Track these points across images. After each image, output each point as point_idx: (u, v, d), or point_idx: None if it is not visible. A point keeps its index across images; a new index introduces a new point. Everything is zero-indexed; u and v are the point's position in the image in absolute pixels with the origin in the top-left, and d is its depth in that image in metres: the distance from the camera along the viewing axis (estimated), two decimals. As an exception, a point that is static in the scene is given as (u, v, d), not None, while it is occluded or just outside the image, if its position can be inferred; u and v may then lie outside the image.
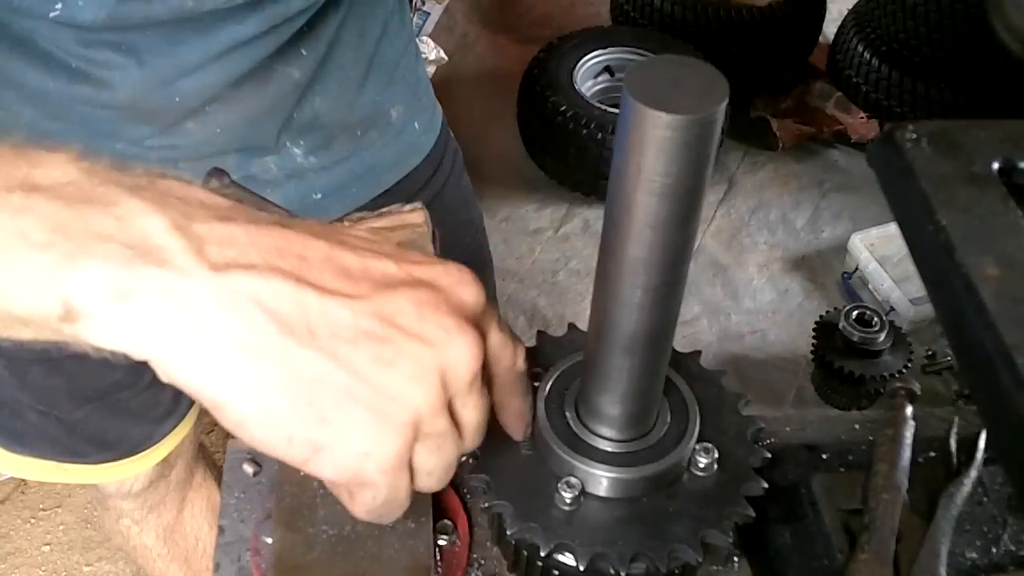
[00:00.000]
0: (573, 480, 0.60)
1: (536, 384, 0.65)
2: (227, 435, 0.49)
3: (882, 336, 1.83)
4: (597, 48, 2.68)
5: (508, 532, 0.61)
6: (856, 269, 2.48)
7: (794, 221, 2.73)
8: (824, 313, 1.92)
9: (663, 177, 0.47)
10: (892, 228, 2.34)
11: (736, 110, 2.73)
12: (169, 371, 0.43)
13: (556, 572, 0.62)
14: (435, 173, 1.09)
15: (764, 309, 2.52)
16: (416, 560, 0.64)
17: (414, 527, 0.65)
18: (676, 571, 0.62)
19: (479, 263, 1.21)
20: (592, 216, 2.71)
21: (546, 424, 0.62)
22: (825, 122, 2.84)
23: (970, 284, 0.44)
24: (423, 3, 2.81)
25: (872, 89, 2.75)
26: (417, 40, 1.16)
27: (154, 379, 0.45)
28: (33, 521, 2.10)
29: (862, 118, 2.80)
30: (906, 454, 0.68)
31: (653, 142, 0.46)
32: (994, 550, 0.67)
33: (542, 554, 0.60)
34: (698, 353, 0.69)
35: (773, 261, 2.63)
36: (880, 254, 2.42)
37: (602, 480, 0.60)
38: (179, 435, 1.19)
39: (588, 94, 2.61)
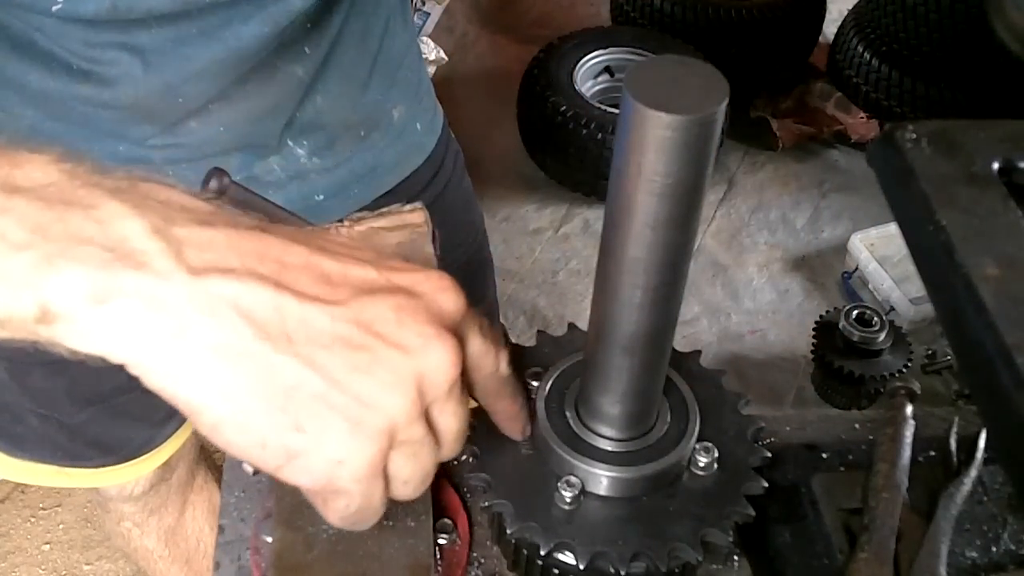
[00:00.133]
0: (573, 479, 0.60)
1: (536, 384, 0.65)
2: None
3: (882, 336, 1.83)
4: (597, 48, 2.68)
5: (508, 531, 0.61)
6: (856, 269, 2.48)
7: (794, 221, 2.73)
8: (824, 313, 1.92)
9: (663, 177, 0.47)
10: (892, 228, 2.34)
11: (736, 110, 2.73)
12: (145, 374, 0.43)
13: (556, 571, 0.62)
14: (436, 175, 1.09)
15: (764, 309, 2.52)
16: (416, 559, 0.64)
17: (414, 526, 0.65)
18: (676, 570, 0.62)
19: (479, 264, 1.21)
20: (592, 216, 2.71)
21: (546, 424, 0.62)
22: (825, 122, 2.84)
23: (970, 284, 0.44)
24: (423, 3, 2.81)
25: (872, 89, 2.75)
26: (417, 40, 1.15)
27: None
28: (33, 520, 2.11)
29: (862, 118, 2.80)
30: (906, 453, 0.68)
31: (653, 142, 0.46)
32: (994, 549, 0.67)
33: (542, 553, 0.60)
34: (698, 353, 0.70)
35: (773, 261, 2.63)
36: (880, 254, 2.42)
37: (602, 479, 0.61)
38: (181, 438, 1.19)
39: (588, 94, 2.61)
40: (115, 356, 0.43)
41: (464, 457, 0.63)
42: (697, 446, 0.62)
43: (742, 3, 2.77)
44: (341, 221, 0.64)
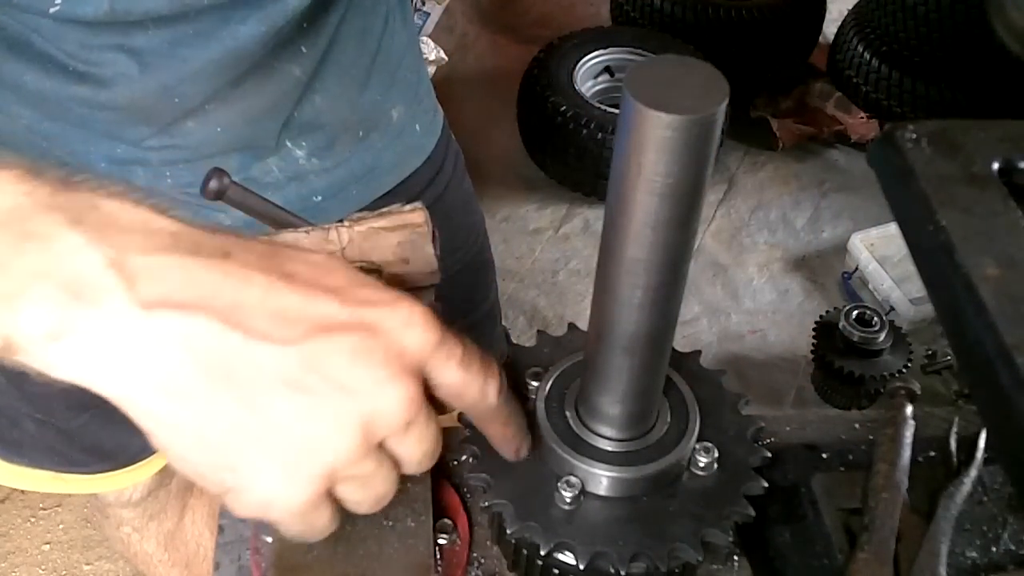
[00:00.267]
0: (573, 479, 0.60)
1: (536, 384, 0.65)
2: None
3: (882, 336, 1.83)
4: (597, 48, 2.69)
5: (508, 531, 0.61)
6: (856, 269, 2.48)
7: (794, 221, 2.73)
8: (824, 313, 1.92)
9: (663, 177, 0.47)
10: (892, 228, 2.34)
11: (736, 110, 2.74)
12: (105, 396, 0.45)
13: (556, 571, 0.62)
14: (436, 176, 1.09)
15: (764, 309, 2.52)
16: (416, 559, 0.64)
17: (414, 526, 0.65)
18: (676, 570, 0.62)
19: (480, 265, 1.21)
20: (592, 216, 2.71)
21: (546, 424, 0.62)
22: (825, 122, 2.84)
23: (970, 284, 0.44)
24: (423, 3, 2.81)
25: (872, 89, 2.75)
26: (417, 40, 1.15)
27: None
28: (33, 520, 2.11)
29: (862, 118, 2.80)
30: (906, 454, 0.68)
31: (653, 142, 0.46)
32: (994, 549, 0.66)
33: (542, 553, 0.60)
34: (698, 353, 0.70)
35: (773, 261, 2.63)
36: (880, 254, 2.42)
37: (602, 479, 0.61)
38: None
39: (588, 94, 2.61)
40: (76, 383, 0.44)
41: (464, 457, 0.63)
42: (697, 446, 0.62)
43: (742, 3, 2.77)
44: (341, 221, 0.63)
